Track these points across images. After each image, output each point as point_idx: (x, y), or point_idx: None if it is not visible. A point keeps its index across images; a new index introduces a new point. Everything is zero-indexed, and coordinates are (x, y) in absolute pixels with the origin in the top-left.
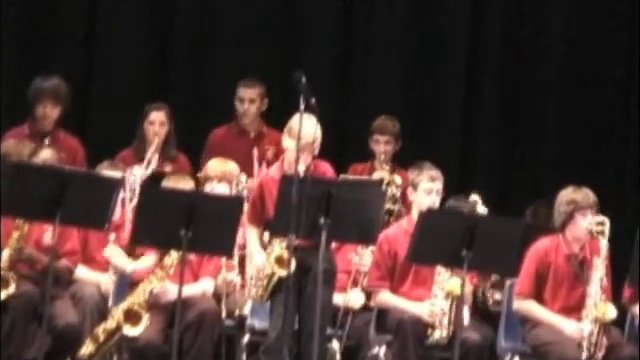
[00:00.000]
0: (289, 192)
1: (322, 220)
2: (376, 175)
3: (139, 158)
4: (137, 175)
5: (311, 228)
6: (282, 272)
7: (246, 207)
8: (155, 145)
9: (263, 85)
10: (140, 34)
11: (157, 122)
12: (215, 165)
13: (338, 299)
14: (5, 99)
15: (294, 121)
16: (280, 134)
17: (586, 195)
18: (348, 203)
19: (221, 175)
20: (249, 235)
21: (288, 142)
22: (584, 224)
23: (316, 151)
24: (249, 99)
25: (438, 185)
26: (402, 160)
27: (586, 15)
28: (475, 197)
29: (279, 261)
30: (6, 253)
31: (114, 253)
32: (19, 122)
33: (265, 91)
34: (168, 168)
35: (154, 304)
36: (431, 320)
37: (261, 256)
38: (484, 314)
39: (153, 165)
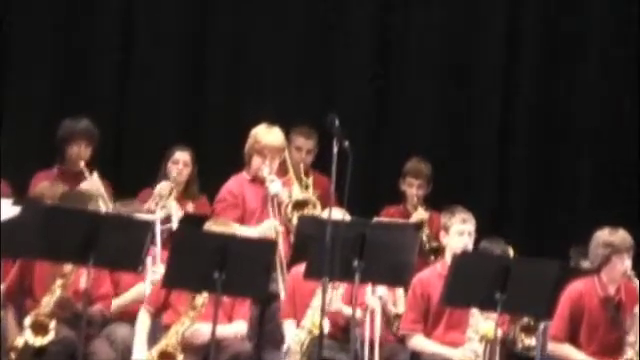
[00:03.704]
0: (318, 234)
1: (356, 262)
2: (415, 217)
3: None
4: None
5: (345, 270)
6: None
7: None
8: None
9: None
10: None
11: (181, 162)
12: None
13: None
14: (37, 141)
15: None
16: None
17: (623, 238)
18: (382, 245)
19: None
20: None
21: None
22: (621, 267)
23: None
24: (307, 150)
25: (470, 227)
26: (435, 202)
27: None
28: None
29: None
30: (48, 300)
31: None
32: (47, 164)
33: None
34: (190, 207)
35: (188, 345)
36: None
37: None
38: (512, 358)
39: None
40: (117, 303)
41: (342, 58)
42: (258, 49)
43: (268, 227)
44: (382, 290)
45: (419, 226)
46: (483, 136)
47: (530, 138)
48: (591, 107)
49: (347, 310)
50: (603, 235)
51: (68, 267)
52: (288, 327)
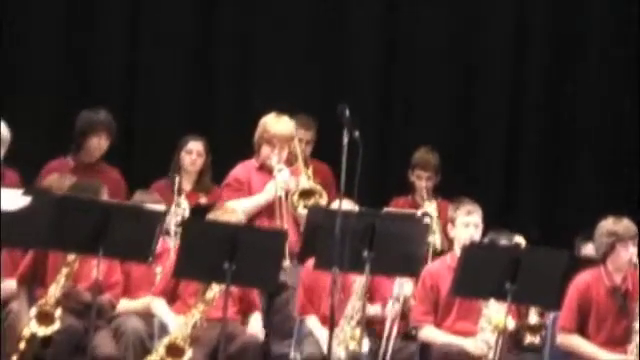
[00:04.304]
0: (328, 225)
1: (365, 253)
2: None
3: (173, 189)
4: (183, 208)
5: (355, 261)
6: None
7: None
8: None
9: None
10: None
11: (195, 152)
12: None
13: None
14: (48, 130)
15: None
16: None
17: (627, 226)
18: (391, 236)
19: None
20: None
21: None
22: (626, 256)
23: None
24: (306, 141)
25: (476, 218)
26: (444, 192)
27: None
28: (519, 238)
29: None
30: (54, 290)
31: (157, 304)
32: (60, 154)
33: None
34: (203, 200)
35: (197, 338)
36: (477, 353)
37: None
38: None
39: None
40: (125, 305)
41: (352, 48)
42: (267, 38)
43: (270, 189)
44: (408, 286)
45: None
46: (491, 126)
47: (538, 129)
48: (592, 106)
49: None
50: (607, 224)
51: (71, 256)
52: (312, 323)
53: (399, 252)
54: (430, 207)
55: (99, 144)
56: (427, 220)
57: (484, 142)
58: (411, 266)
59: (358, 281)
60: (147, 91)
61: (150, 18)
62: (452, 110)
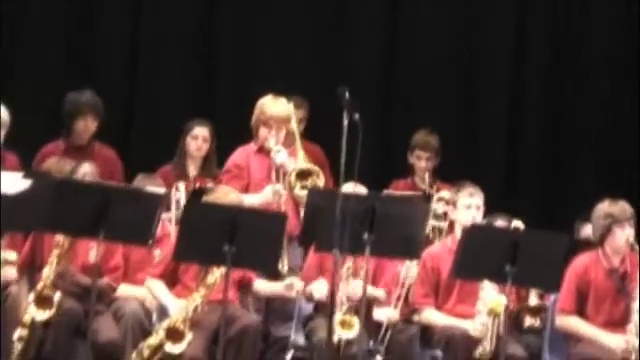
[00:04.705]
0: (329, 207)
1: (366, 236)
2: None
3: (179, 174)
4: (182, 191)
5: (355, 243)
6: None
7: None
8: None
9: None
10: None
11: (200, 137)
12: None
13: (380, 314)
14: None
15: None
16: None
17: (623, 208)
18: (391, 219)
19: None
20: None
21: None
22: (623, 237)
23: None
24: (298, 119)
25: (477, 201)
26: (445, 174)
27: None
28: (518, 222)
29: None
30: (48, 270)
31: (156, 286)
32: (53, 137)
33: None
34: (209, 185)
35: (197, 321)
36: (476, 336)
37: None
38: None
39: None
40: (125, 290)
41: (353, 33)
42: (268, 24)
43: (267, 193)
44: (414, 270)
45: (428, 198)
46: (491, 126)
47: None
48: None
49: None
50: (603, 207)
51: (60, 237)
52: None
53: (399, 235)
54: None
55: (86, 126)
56: (444, 207)
57: (486, 122)
58: (411, 249)
59: (346, 267)
60: (147, 73)
61: None
62: (453, 90)
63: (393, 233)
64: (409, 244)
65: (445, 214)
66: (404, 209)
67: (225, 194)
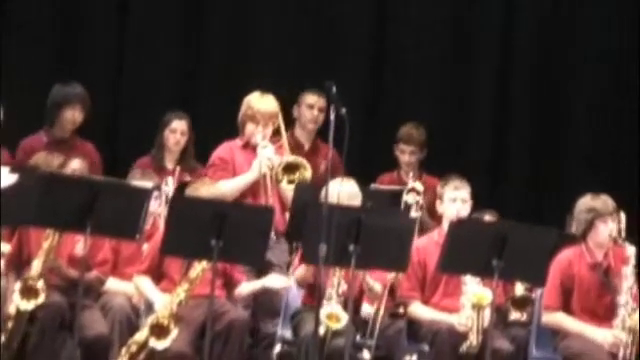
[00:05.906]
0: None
1: (352, 247)
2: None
3: (157, 166)
4: (171, 185)
5: (340, 255)
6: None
7: None
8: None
9: None
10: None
11: (179, 130)
12: None
13: (369, 310)
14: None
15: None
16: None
17: (605, 202)
18: (378, 230)
19: None
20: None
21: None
22: (605, 231)
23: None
24: (319, 108)
25: (463, 194)
26: (431, 167)
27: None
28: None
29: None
30: (37, 263)
31: (143, 283)
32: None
33: None
34: (187, 179)
35: (183, 316)
36: (461, 330)
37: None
38: (507, 326)
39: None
40: (114, 285)
41: (340, 26)
42: (256, 15)
43: (255, 167)
44: None
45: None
46: (480, 103)
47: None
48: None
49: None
50: (585, 201)
51: (50, 230)
52: None
53: (385, 246)
54: (416, 183)
55: (73, 117)
56: (415, 197)
57: (472, 114)
58: (397, 261)
59: None
60: (133, 62)
61: None
62: (439, 85)
63: (379, 245)
64: (395, 256)
65: (418, 204)
66: (390, 221)
67: (203, 183)
